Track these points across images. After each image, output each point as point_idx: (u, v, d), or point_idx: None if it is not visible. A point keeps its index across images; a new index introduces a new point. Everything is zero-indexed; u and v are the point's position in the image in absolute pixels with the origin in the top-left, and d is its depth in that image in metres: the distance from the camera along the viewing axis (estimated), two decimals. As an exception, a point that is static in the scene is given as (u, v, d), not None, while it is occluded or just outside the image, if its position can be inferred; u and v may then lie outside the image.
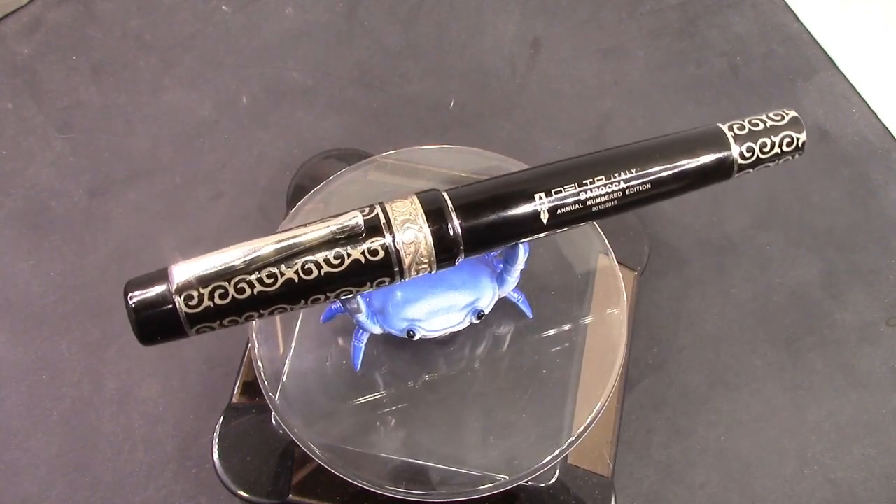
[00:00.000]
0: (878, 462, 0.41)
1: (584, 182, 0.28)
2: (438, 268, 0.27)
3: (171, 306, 0.25)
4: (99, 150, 0.49)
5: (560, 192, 0.28)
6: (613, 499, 0.37)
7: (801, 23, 0.54)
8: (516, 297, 0.34)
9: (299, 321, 0.35)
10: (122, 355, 0.43)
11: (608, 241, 0.37)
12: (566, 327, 0.35)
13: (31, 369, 0.42)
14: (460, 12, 0.54)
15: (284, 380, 0.34)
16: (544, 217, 0.28)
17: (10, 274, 0.45)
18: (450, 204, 0.27)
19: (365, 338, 0.33)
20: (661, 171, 0.29)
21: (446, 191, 0.28)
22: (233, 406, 0.38)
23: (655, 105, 0.51)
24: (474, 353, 0.35)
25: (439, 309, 0.32)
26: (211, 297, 0.25)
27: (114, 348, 0.43)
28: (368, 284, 0.27)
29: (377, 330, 0.32)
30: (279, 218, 0.44)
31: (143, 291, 0.25)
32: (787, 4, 0.55)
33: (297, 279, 0.26)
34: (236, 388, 0.39)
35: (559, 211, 0.28)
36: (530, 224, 0.28)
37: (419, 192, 0.27)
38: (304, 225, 0.26)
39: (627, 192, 0.28)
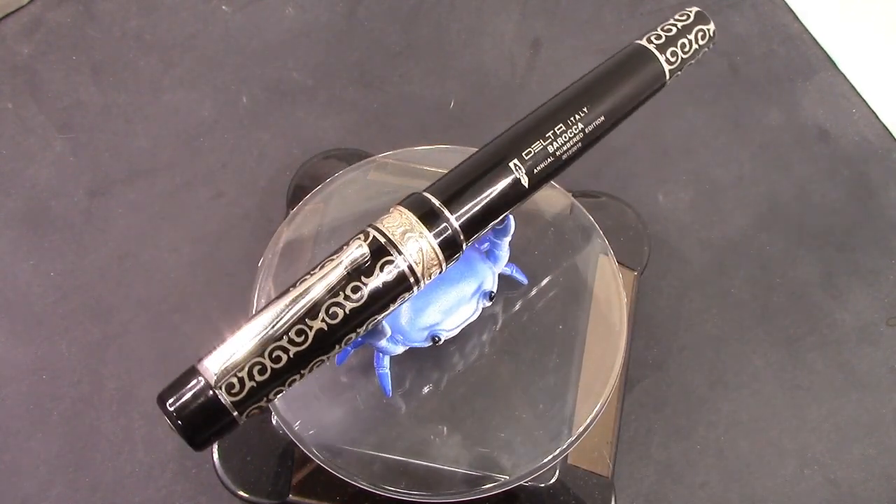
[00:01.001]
0: (878, 462, 0.41)
1: (548, 136, 0.29)
2: (447, 265, 0.27)
3: (215, 402, 0.24)
4: (99, 150, 0.49)
5: (530, 152, 0.29)
6: (613, 499, 0.37)
7: (801, 23, 0.54)
8: (509, 271, 0.35)
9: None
10: (122, 355, 0.43)
11: (608, 241, 0.37)
12: (566, 327, 0.35)
13: (31, 369, 0.42)
14: (460, 12, 0.54)
15: (284, 380, 0.34)
16: (525, 181, 0.29)
17: (10, 274, 0.45)
18: (437, 202, 0.27)
19: (387, 362, 0.33)
20: (609, 100, 0.30)
21: (426, 190, 0.28)
22: (233, 406, 0.38)
23: (655, 105, 0.51)
24: (473, 354, 0.35)
25: (451, 306, 0.32)
26: (251, 377, 0.25)
27: (114, 348, 0.43)
28: (391, 305, 0.27)
29: (399, 350, 0.32)
30: (279, 218, 0.44)
31: (180, 396, 0.24)
32: (787, 4, 0.55)
33: (326, 327, 0.25)
34: (236, 388, 0.39)
35: (536, 170, 0.29)
36: (514, 192, 0.28)
37: (401, 202, 0.28)
38: (311, 273, 0.26)
39: (587, 130, 0.30)
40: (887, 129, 0.50)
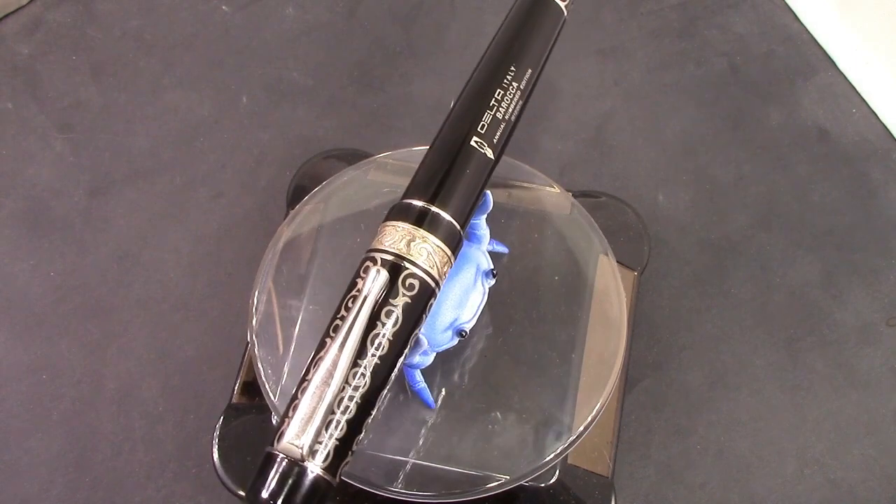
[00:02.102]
0: (878, 462, 0.41)
1: (493, 105, 0.30)
2: (455, 257, 0.28)
3: (308, 475, 0.24)
4: (99, 150, 0.49)
5: (484, 126, 0.30)
6: (613, 499, 0.37)
7: (801, 23, 0.54)
8: (490, 246, 0.35)
9: (299, 321, 0.35)
10: (122, 355, 0.43)
11: (608, 241, 0.37)
12: (566, 327, 0.35)
13: (31, 369, 0.42)
14: (460, 12, 0.54)
15: (284, 380, 0.34)
16: (490, 153, 0.29)
17: (10, 274, 0.45)
18: (421, 203, 0.28)
19: (420, 376, 0.33)
20: (529, 53, 0.31)
21: (405, 197, 0.28)
22: (233, 406, 0.38)
23: (655, 105, 0.51)
24: (473, 355, 0.35)
25: (460, 298, 0.32)
26: (331, 437, 0.24)
27: (114, 348, 0.43)
28: (423, 315, 0.27)
29: (430, 359, 0.32)
30: (279, 218, 0.44)
31: (271, 483, 0.24)
32: (787, 4, 0.55)
33: (378, 360, 0.25)
34: (236, 388, 0.39)
35: (495, 140, 0.30)
36: (485, 167, 0.29)
37: (387, 218, 0.28)
38: (341, 317, 0.26)
39: (522, 86, 0.31)
40: (887, 129, 0.50)
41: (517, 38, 0.32)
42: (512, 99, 0.31)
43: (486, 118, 0.30)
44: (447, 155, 0.29)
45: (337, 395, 0.25)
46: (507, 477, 0.32)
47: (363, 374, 0.25)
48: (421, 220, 0.27)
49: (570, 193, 0.39)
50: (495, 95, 0.30)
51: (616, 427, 0.39)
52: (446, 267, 0.28)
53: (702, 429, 0.42)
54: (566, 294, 0.36)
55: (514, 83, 0.31)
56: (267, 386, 0.34)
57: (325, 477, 0.24)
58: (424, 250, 0.27)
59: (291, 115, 0.50)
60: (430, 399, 0.33)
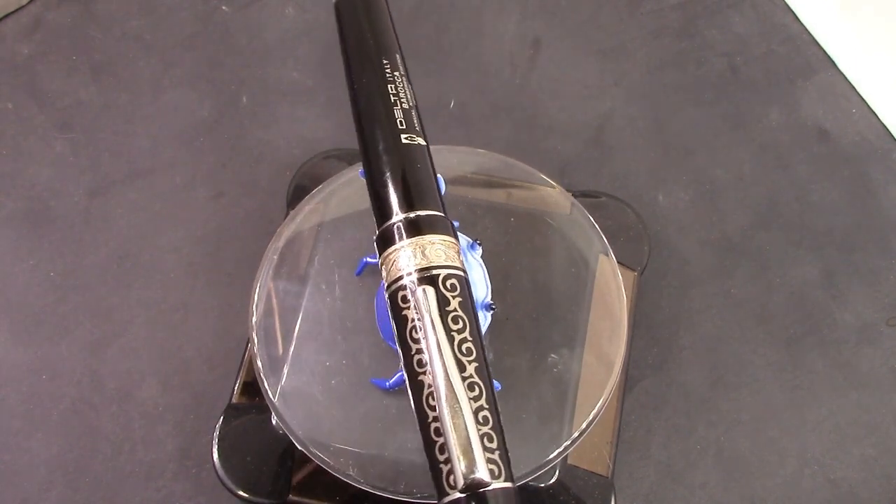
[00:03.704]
0: (878, 462, 0.41)
1: (394, 100, 0.31)
2: (457, 240, 0.29)
3: (503, 493, 0.24)
4: (99, 150, 0.49)
5: (401, 121, 0.30)
6: (613, 499, 0.37)
7: (801, 23, 0.54)
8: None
9: (299, 321, 0.35)
10: (122, 355, 0.43)
11: (608, 241, 0.37)
12: (566, 327, 0.35)
13: (31, 369, 0.42)
14: (460, 12, 0.54)
15: (284, 380, 0.34)
16: (421, 140, 0.31)
17: (10, 274, 0.45)
18: (402, 216, 0.28)
19: None
20: (382, 41, 0.32)
21: (383, 225, 0.29)
22: (233, 406, 0.38)
23: (655, 105, 0.51)
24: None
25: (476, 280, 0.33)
26: (491, 451, 0.25)
27: (114, 348, 0.43)
28: (473, 302, 0.28)
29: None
30: (279, 218, 0.44)
31: None
32: (787, 4, 0.55)
33: (477, 363, 0.26)
34: (236, 388, 0.39)
35: (417, 127, 0.31)
36: (425, 153, 0.30)
37: (385, 253, 0.28)
38: (416, 350, 0.26)
39: (401, 70, 0.32)
40: (887, 129, 0.50)
41: (365, 36, 0.33)
42: (404, 86, 0.31)
43: (398, 114, 0.31)
44: (391, 164, 0.30)
45: (472, 414, 0.25)
46: (508, 477, 0.32)
47: (475, 383, 0.25)
48: (416, 229, 0.28)
49: (571, 193, 0.39)
50: (391, 92, 0.31)
51: (616, 427, 0.39)
52: (458, 254, 0.28)
53: (702, 429, 0.42)
54: (566, 294, 0.36)
55: (395, 73, 0.32)
56: (267, 386, 0.34)
57: (511, 485, 0.24)
58: (438, 250, 0.27)
59: (291, 115, 0.50)
60: None
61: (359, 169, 0.39)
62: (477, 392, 0.25)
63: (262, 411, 0.37)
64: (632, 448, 0.41)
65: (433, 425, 0.25)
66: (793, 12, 0.54)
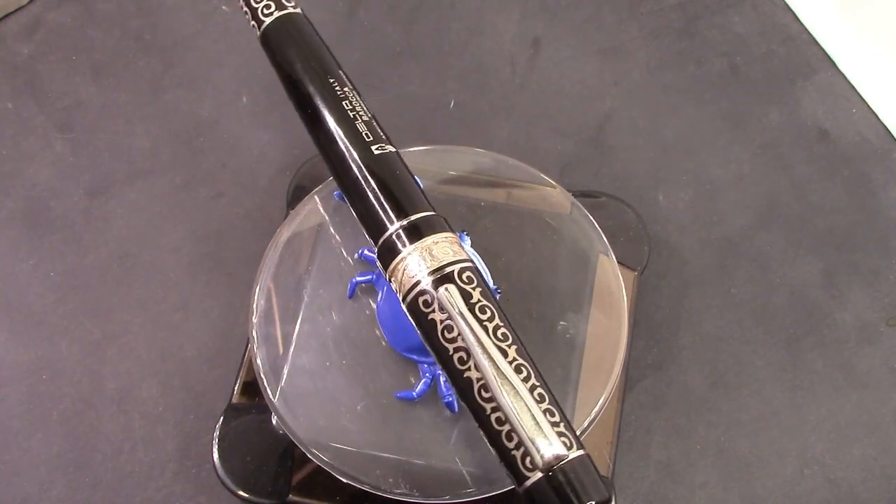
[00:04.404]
0: (878, 462, 0.41)
1: (353, 116, 0.31)
2: (455, 232, 0.29)
3: (582, 461, 0.24)
4: (99, 150, 0.49)
5: (366, 133, 0.31)
6: (613, 499, 0.37)
7: (801, 23, 0.54)
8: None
9: (299, 321, 0.35)
10: (122, 355, 0.43)
11: (608, 241, 0.37)
12: (566, 327, 0.35)
13: (31, 369, 0.42)
14: (460, 12, 0.54)
15: (284, 380, 0.34)
16: (390, 148, 0.31)
17: (10, 274, 0.45)
18: (400, 224, 0.28)
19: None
20: (323, 62, 0.33)
21: (377, 239, 0.29)
22: (233, 406, 0.38)
23: (655, 105, 0.51)
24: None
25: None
26: (556, 424, 0.25)
27: (114, 348, 0.43)
28: (489, 287, 0.28)
29: None
30: (279, 218, 0.44)
31: (574, 494, 0.24)
32: (787, 4, 0.55)
33: (516, 344, 0.27)
34: (236, 388, 0.39)
35: (382, 135, 0.31)
36: (398, 159, 0.31)
37: (388, 265, 0.29)
38: (456, 348, 0.26)
39: (350, 85, 0.32)
40: (887, 129, 0.50)
41: (305, 60, 0.33)
42: (358, 100, 0.32)
43: (362, 128, 0.31)
44: (372, 178, 0.30)
45: (532, 394, 0.25)
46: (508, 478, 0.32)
47: (521, 364, 0.26)
48: (417, 233, 0.28)
49: (571, 193, 0.39)
50: (348, 108, 0.32)
51: (616, 427, 0.39)
52: (461, 246, 0.29)
53: (702, 429, 0.42)
54: (566, 294, 0.36)
55: (345, 88, 0.32)
56: (267, 386, 0.34)
57: (584, 452, 0.25)
58: (444, 248, 0.27)
59: (291, 115, 0.50)
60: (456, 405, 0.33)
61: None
62: (525, 373, 0.26)
63: (262, 411, 0.37)
64: (632, 448, 0.41)
65: (493, 416, 0.25)
66: (793, 12, 0.54)
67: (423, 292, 0.27)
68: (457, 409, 0.33)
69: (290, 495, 0.36)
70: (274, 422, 0.37)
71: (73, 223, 0.46)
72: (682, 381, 0.43)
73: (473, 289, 0.27)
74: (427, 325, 0.27)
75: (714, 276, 0.46)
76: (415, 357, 0.33)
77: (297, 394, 0.34)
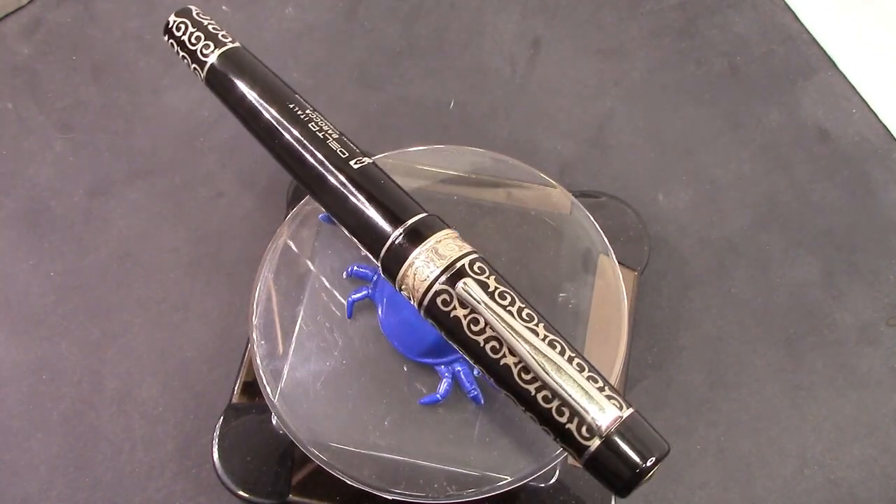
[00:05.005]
0: (878, 462, 0.41)
1: (323, 137, 0.31)
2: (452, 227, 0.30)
3: (635, 417, 0.25)
4: (99, 150, 0.49)
5: (342, 150, 0.31)
6: (613, 499, 0.37)
7: (801, 23, 0.54)
8: None
9: (299, 321, 0.35)
10: (122, 355, 0.43)
11: (608, 241, 0.37)
12: (566, 327, 0.35)
13: (31, 369, 0.42)
14: (460, 12, 0.54)
15: (284, 380, 0.34)
16: (367, 160, 0.31)
17: (10, 274, 0.45)
18: (401, 231, 0.28)
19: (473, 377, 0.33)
20: (278, 90, 0.33)
21: (377, 253, 0.29)
22: (233, 406, 0.38)
23: (655, 105, 0.51)
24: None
25: None
26: (603, 386, 0.26)
27: (114, 348, 0.43)
28: (501, 274, 0.29)
29: None
30: (279, 218, 0.44)
31: (633, 451, 0.25)
32: (787, 4, 0.55)
33: (541, 321, 0.27)
34: (236, 388, 0.39)
35: (356, 149, 0.31)
36: (379, 170, 0.31)
37: (397, 272, 0.28)
38: (487, 337, 0.27)
39: (311, 108, 0.32)
40: (887, 129, 0.50)
41: (262, 92, 0.33)
42: (323, 119, 0.32)
43: (335, 146, 0.31)
44: (359, 193, 0.30)
45: (572, 365, 0.26)
46: (509, 478, 0.32)
47: (553, 340, 0.26)
48: (419, 237, 0.28)
49: (571, 193, 0.39)
50: (316, 130, 0.31)
51: (616, 427, 0.39)
52: (461, 239, 0.29)
53: (702, 429, 0.42)
54: (566, 294, 0.36)
55: (307, 111, 0.32)
56: (267, 386, 0.34)
57: (634, 409, 0.25)
58: (448, 244, 0.27)
59: (291, 115, 0.50)
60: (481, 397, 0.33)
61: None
62: (560, 347, 0.26)
63: (262, 411, 0.37)
64: (632, 448, 0.41)
65: (539, 395, 0.25)
66: (793, 12, 0.54)
67: (439, 292, 0.27)
68: (482, 402, 0.33)
69: (290, 495, 0.36)
70: (274, 422, 0.37)
71: (73, 223, 0.46)
72: (682, 381, 0.43)
73: (488, 277, 0.27)
74: (450, 323, 0.27)
75: (714, 276, 0.46)
76: (429, 360, 0.33)
77: (297, 394, 0.34)
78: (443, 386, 0.33)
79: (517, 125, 0.50)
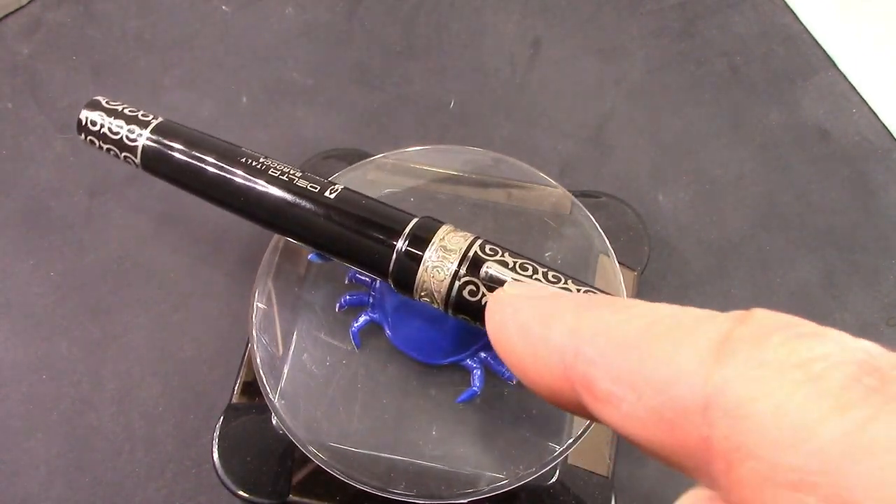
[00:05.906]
0: (878, 462, 0.41)
1: (290, 176, 0.31)
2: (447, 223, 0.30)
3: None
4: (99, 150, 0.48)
5: (313, 186, 0.30)
6: (613, 499, 0.37)
7: (801, 23, 0.54)
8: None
9: (299, 321, 0.35)
10: (122, 355, 0.43)
11: (608, 241, 0.37)
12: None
13: (31, 369, 0.42)
14: (460, 12, 0.54)
15: (284, 380, 0.34)
16: (339, 185, 0.31)
17: (10, 274, 0.45)
18: (401, 244, 0.28)
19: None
20: (215, 147, 0.32)
21: (384, 272, 0.29)
22: (233, 406, 0.38)
23: (655, 105, 0.51)
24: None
25: None
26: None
27: (114, 348, 0.43)
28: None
29: None
30: (279, 218, 0.44)
31: None
32: (787, 4, 0.55)
33: (563, 274, 0.28)
34: (236, 388, 0.39)
35: (322, 179, 0.31)
36: (350, 189, 0.31)
37: (413, 281, 0.28)
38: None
39: (265, 156, 0.32)
40: (887, 129, 0.50)
41: (209, 158, 0.32)
42: (279, 162, 0.31)
43: (303, 184, 0.30)
44: (346, 222, 0.29)
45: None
46: (508, 478, 0.32)
47: (588, 290, 0.27)
48: (420, 241, 0.28)
49: (571, 193, 0.39)
50: (279, 175, 0.31)
51: (616, 427, 0.39)
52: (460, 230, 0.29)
53: (702, 429, 0.42)
54: (566, 294, 0.36)
55: (261, 159, 0.31)
56: (267, 386, 0.34)
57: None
58: (452, 237, 0.28)
59: (291, 115, 0.50)
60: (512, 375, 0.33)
61: (358, 169, 0.39)
62: (587, 286, 0.27)
63: (262, 411, 0.37)
64: (632, 448, 0.41)
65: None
66: (793, 12, 0.54)
67: (464, 284, 0.27)
68: (515, 380, 0.33)
69: (290, 495, 0.36)
70: (274, 422, 0.37)
71: (73, 223, 0.46)
72: (682, 381, 0.43)
73: (503, 255, 0.27)
74: (483, 312, 0.27)
75: (714, 276, 0.46)
76: (456, 359, 0.33)
77: (297, 394, 0.34)
78: (475, 379, 0.33)
79: (517, 125, 0.50)
